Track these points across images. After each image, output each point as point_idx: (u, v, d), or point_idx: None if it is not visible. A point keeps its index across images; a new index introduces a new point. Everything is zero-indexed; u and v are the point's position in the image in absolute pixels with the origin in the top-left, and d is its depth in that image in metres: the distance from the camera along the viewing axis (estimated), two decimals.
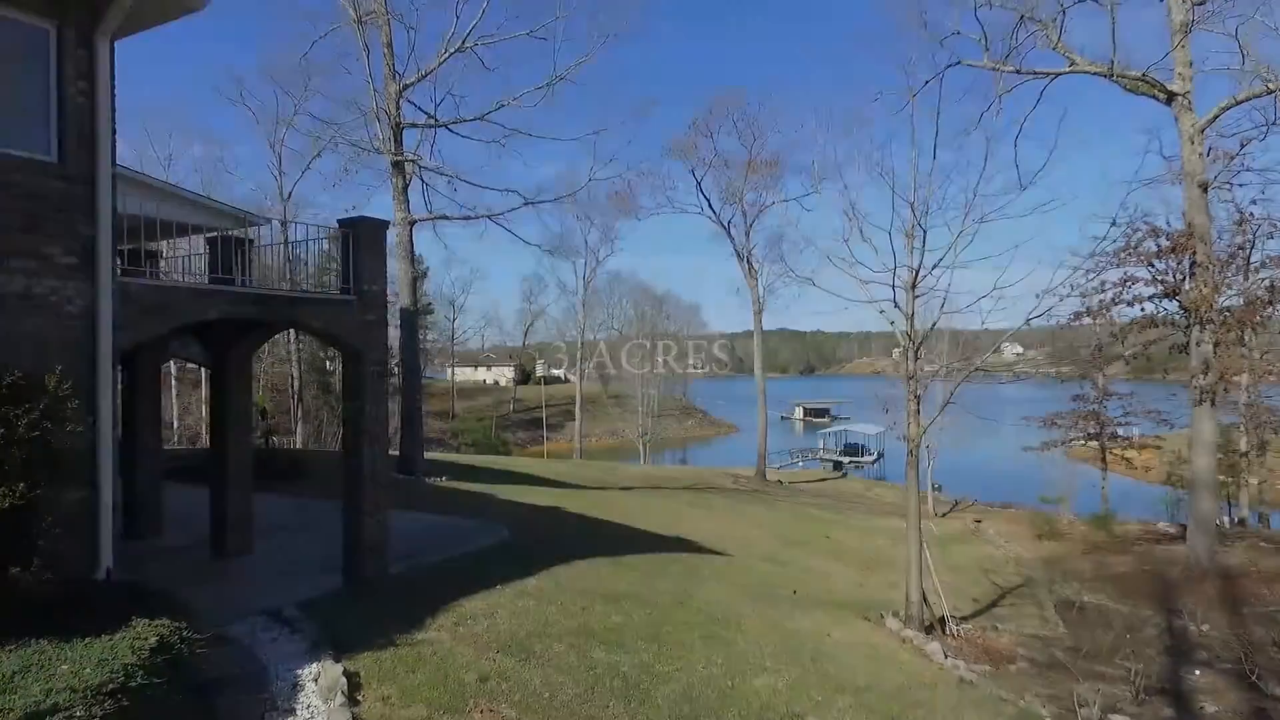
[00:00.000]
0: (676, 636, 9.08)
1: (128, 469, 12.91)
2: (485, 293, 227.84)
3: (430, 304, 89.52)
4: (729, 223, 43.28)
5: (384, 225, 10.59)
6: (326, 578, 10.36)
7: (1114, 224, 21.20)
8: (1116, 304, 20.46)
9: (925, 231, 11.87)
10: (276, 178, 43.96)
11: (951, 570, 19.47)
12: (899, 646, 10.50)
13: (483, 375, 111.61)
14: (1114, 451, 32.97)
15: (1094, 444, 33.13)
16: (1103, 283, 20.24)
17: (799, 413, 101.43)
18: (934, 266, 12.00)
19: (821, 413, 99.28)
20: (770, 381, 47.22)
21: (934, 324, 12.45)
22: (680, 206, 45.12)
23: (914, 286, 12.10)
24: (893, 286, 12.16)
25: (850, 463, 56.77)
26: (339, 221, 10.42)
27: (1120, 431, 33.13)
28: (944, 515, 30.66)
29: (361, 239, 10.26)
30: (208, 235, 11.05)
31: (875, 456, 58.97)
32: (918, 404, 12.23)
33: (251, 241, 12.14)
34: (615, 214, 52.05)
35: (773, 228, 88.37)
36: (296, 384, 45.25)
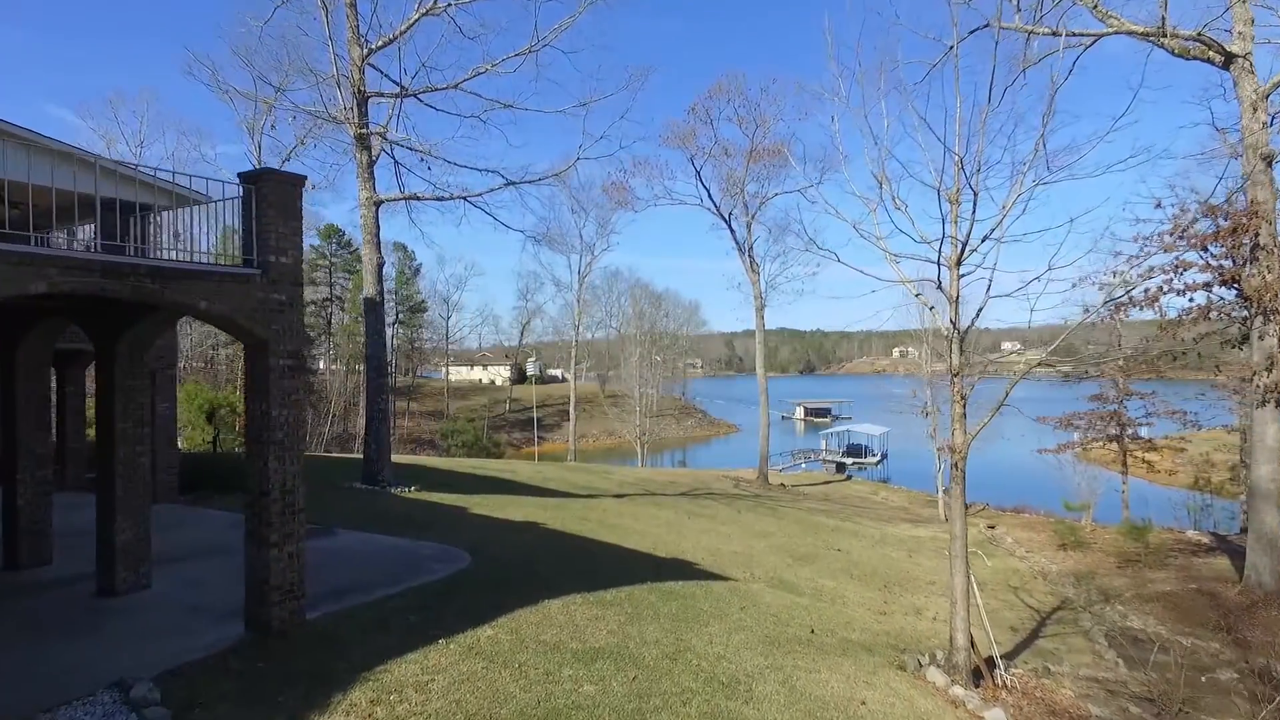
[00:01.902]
0: (667, 715, 6.88)
1: (6, 481, 10.74)
2: (482, 289, 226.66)
3: (424, 301, 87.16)
4: (730, 215, 41.17)
5: (298, 181, 8.37)
6: (225, 627, 8.16)
7: (1159, 205, 19.24)
8: (1165, 293, 18.24)
9: (976, 194, 9.65)
10: (255, 165, 41.77)
11: (976, 587, 17.37)
12: (953, 716, 8.32)
13: (479, 375, 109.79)
14: (1134, 454, 30.99)
15: (1113, 446, 31.14)
16: (1150, 269, 18.01)
17: (800, 412, 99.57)
18: (984, 239, 9.79)
19: (823, 413, 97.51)
20: (770, 381, 45.02)
21: (981, 309, 10.26)
22: (679, 198, 42.85)
23: (959, 263, 9.90)
24: (938, 264, 9.92)
25: (854, 464, 54.95)
26: (239, 175, 8.21)
27: (1141, 432, 31.17)
28: None
29: (268, 197, 8.05)
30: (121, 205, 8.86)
31: (879, 458, 57.37)
32: (964, 406, 10.04)
33: (149, 208, 9.94)
34: (610, 206, 49.95)
35: (783, 211, 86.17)
36: None
